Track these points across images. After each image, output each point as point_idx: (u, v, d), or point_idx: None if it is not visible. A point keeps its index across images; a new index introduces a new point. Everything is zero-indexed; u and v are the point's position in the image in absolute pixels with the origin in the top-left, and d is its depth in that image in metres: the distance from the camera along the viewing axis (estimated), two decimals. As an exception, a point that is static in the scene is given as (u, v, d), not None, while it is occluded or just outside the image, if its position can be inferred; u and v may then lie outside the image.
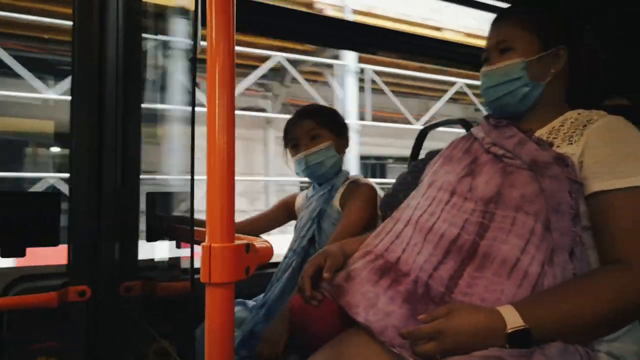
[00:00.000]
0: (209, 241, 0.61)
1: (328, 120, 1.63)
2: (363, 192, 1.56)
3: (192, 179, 0.78)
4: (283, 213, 1.80)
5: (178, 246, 1.28)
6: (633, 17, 1.28)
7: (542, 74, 1.08)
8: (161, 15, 1.39)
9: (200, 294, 0.71)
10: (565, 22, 1.13)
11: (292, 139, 1.62)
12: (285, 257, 1.56)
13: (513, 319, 0.82)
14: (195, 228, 0.87)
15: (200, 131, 0.75)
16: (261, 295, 1.56)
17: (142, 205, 1.37)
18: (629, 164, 0.92)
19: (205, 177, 0.63)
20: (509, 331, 0.81)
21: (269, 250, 0.69)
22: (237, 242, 0.62)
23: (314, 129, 1.58)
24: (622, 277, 0.85)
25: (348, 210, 1.52)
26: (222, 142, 0.62)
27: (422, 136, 2.04)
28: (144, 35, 1.38)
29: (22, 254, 1.24)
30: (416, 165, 1.80)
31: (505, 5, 1.77)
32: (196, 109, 0.90)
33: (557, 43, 1.08)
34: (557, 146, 1.01)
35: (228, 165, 0.62)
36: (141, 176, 1.39)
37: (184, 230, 1.18)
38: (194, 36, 0.81)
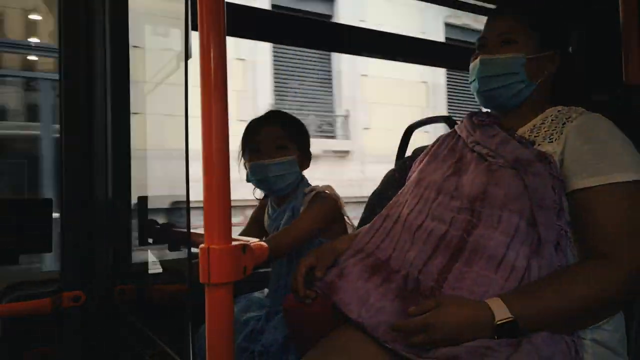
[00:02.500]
0: (207, 243, 0.62)
1: (296, 131, 1.50)
2: (317, 205, 1.42)
3: (187, 182, 0.79)
4: (257, 230, 1.64)
5: (170, 249, 1.29)
6: (610, 19, 1.32)
7: (537, 74, 1.10)
8: (150, 22, 1.40)
9: (195, 296, 0.72)
10: (562, 26, 1.16)
11: (255, 143, 1.46)
12: (276, 275, 1.53)
13: (501, 311, 0.85)
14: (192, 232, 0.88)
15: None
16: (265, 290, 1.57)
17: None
18: (606, 161, 0.95)
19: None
20: (498, 323, 0.84)
21: (265, 251, 0.71)
22: (234, 243, 0.64)
23: (282, 138, 1.44)
24: (604, 271, 0.89)
25: (301, 216, 1.40)
26: (217, 147, 0.64)
27: (407, 134, 2.07)
28: (132, 44, 1.38)
29: (15, 261, 1.24)
30: (403, 162, 1.82)
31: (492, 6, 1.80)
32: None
33: (553, 46, 1.11)
34: (539, 144, 1.04)
35: (223, 168, 0.64)
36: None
37: (176, 233, 1.19)
38: (185, 42, 0.82)
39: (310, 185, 1.53)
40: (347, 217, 1.53)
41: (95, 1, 1.34)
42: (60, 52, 1.32)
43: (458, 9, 2.08)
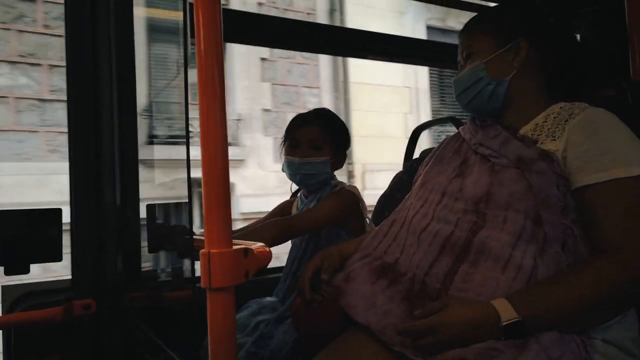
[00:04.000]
0: (208, 247, 0.63)
1: (334, 133, 1.55)
2: (339, 196, 1.49)
3: (189, 189, 0.80)
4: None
5: (180, 256, 1.30)
6: (620, 9, 1.30)
7: (505, 69, 1.11)
8: (152, 29, 1.42)
9: (203, 302, 0.72)
10: (522, 15, 1.16)
11: (293, 139, 1.54)
12: (291, 260, 1.56)
13: (507, 312, 0.84)
14: (195, 237, 0.89)
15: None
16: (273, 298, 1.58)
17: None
18: (609, 156, 0.93)
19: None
20: (504, 324, 0.83)
21: (268, 254, 0.71)
22: (235, 247, 0.64)
23: (317, 139, 1.51)
24: (610, 266, 0.87)
25: (318, 206, 1.47)
26: (215, 151, 0.64)
27: (415, 136, 2.06)
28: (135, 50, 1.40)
29: (26, 270, 1.26)
30: (411, 165, 1.82)
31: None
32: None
33: (514, 37, 1.11)
34: (541, 143, 1.02)
35: (223, 172, 0.64)
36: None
37: (184, 239, 1.20)
38: (184, 48, 0.83)
39: (339, 181, 1.59)
40: (369, 218, 1.56)
41: (100, 11, 1.36)
42: (67, 60, 1.34)
43: (461, 9, 2.07)
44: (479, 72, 1.12)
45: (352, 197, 1.51)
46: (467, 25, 1.21)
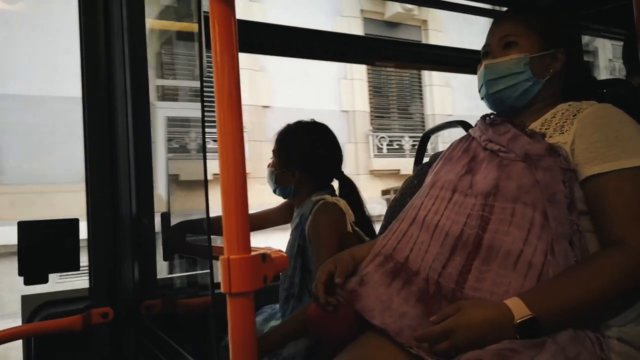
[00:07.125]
0: (227, 253, 0.64)
1: (282, 148, 1.62)
2: (326, 215, 1.48)
3: (207, 196, 0.81)
4: (287, 215, 1.77)
5: (194, 263, 1.31)
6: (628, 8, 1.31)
7: (542, 71, 1.12)
8: (167, 41, 1.44)
9: (219, 308, 0.74)
10: (565, 26, 1.18)
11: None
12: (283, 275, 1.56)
13: (520, 310, 0.85)
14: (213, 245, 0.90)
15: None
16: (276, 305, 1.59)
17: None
18: (618, 147, 0.95)
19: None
20: (518, 322, 0.84)
21: (285, 259, 0.72)
22: (253, 253, 0.66)
23: (274, 153, 1.64)
24: (621, 257, 0.88)
25: (318, 238, 1.46)
26: (233, 158, 0.65)
27: (424, 141, 2.07)
28: (150, 64, 1.42)
29: (44, 280, 1.28)
30: (421, 169, 1.83)
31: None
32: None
33: (557, 45, 1.13)
34: (550, 136, 1.04)
35: (240, 179, 0.65)
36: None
37: (200, 247, 1.21)
38: (200, 61, 0.85)
39: (321, 194, 1.56)
40: (358, 229, 1.55)
41: (114, 26, 1.39)
42: (83, 73, 1.37)
43: (473, 14, 2.08)
44: (521, 65, 1.11)
45: (338, 209, 1.51)
46: (514, 15, 1.17)
